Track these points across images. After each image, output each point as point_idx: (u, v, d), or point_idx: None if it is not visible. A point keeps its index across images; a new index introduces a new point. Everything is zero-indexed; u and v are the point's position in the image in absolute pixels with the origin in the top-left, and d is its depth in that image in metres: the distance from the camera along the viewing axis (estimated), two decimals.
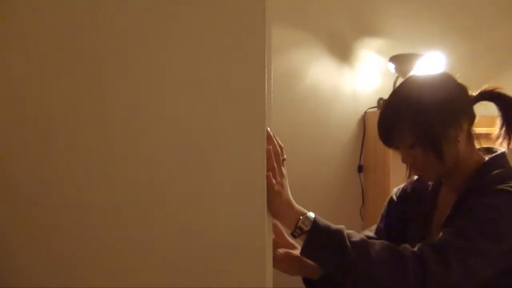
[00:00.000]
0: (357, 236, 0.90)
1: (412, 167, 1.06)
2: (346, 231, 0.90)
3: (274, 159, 0.86)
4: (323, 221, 0.90)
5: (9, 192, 0.73)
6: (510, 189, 0.91)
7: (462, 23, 2.30)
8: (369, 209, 2.19)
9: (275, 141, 0.85)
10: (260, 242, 0.72)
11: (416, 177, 1.17)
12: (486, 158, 1.03)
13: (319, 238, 0.88)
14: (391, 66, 2.06)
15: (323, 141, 2.25)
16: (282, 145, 0.87)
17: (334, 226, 0.90)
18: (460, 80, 1.04)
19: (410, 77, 1.09)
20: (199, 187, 0.71)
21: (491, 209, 0.91)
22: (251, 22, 0.70)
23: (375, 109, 2.21)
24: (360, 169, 2.26)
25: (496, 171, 0.98)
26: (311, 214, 0.90)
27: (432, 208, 1.12)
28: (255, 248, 0.72)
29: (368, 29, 2.28)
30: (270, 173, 0.84)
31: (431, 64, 1.97)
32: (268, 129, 0.79)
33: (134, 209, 0.72)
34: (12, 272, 0.73)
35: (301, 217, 0.88)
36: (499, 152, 1.04)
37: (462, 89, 1.04)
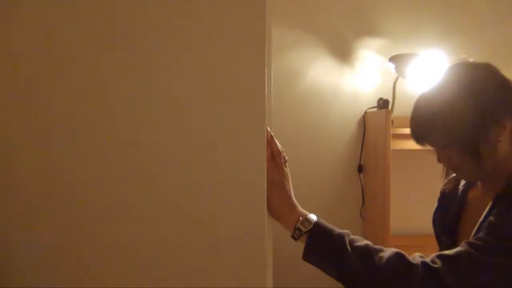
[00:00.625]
0: (362, 241, 0.87)
1: (448, 167, 1.03)
2: (351, 236, 0.87)
3: (275, 159, 0.85)
4: (326, 224, 0.88)
5: (9, 192, 0.73)
6: None
7: (462, 23, 2.30)
8: (369, 209, 2.19)
9: (276, 142, 0.85)
10: (260, 242, 0.72)
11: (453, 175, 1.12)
12: None
13: (319, 240, 0.86)
14: (391, 66, 2.06)
15: (323, 141, 2.25)
16: (281, 148, 0.87)
17: (338, 230, 0.88)
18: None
19: (450, 68, 1.01)
20: (199, 187, 0.71)
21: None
22: (251, 22, 0.70)
23: (375, 109, 2.21)
24: (360, 169, 2.26)
25: None
26: (313, 216, 0.88)
27: (461, 211, 1.07)
28: (255, 248, 0.72)
29: (368, 29, 2.28)
30: (272, 174, 0.84)
31: (431, 64, 1.97)
32: (268, 129, 0.79)
33: (134, 209, 0.72)
34: (12, 272, 0.73)
35: (300, 218, 0.87)
36: None
37: (506, 84, 0.96)
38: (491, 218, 0.89)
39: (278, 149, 0.85)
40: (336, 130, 2.26)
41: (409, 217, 2.23)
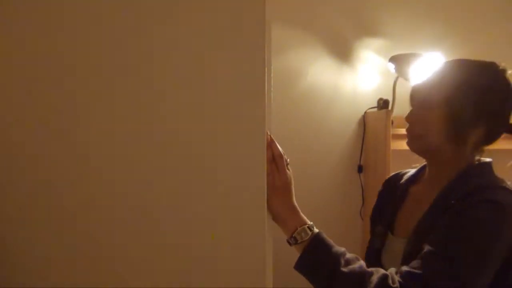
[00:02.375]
0: (356, 263, 0.87)
1: (409, 128, 1.02)
2: (346, 256, 0.87)
3: (277, 162, 0.85)
4: (324, 239, 0.88)
5: (9, 192, 0.73)
6: (494, 199, 0.88)
7: (462, 23, 2.30)
8: (369, 209, 2.18)
9: (276, 144, 0.85)
10: (260, 242, 0.72)
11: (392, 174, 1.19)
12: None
13: (314, 255, 0.86)
14: (391, 66, 2.06)
15: (323, 141, 2.25)
16: (283, 151, 0.87)
17: (335, 248, 0.87)
18: None
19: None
20: (198, 187, 0.71)
21: (474, 224, 0.87)
22: (251, 22, 0.70)
23: (375, 109, 2.21)
24: (360, 169, 2.26)
25: (479, 179, 0.95)
26: (311, 227, 0.88)
27: (401, 202, 1.10)
28: (255, 248, 0.72)
29: (368, 29, 2.28)
30: (273, 177, 0.84)
31: (431, 64, 1.97)
32: (268, 132, 0.79)
33: (134, 209, 0.72)
34: (12, 272, 0.73)
35: (298, 227, 0.87)
36: (487, 160, 1.01)
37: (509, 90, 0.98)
38: (450, 216, 0.90)
39: (279, 152, 0.85)
40: (336, 130, 2.26)
41: None
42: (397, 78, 2.05)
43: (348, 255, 0.88)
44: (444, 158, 1.00)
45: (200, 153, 0.71)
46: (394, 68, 2.04)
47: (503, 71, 0.99)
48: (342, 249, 0.89)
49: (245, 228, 0.71)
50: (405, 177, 1.16)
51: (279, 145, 0.86)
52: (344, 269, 0.84)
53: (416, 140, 1.02)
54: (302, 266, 0.88)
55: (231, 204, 0.71)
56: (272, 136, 0.83)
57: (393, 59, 2.05)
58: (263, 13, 0.70)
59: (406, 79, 2.00)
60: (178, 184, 0.71)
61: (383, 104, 2.14)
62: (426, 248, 0.87)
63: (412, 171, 1.16)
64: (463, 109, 0.95)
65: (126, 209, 0.72)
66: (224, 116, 0.71)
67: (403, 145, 2.14)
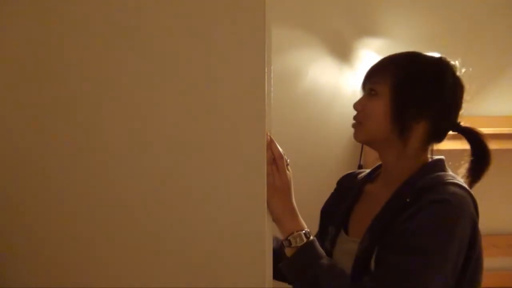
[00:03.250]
0: (343, 275, 0.88)
1: (356, 116, 1.02)
2: (334, 268, 0.88)
3: (277, 163, 0.85)
4: (317, 248, 0.89)
5: (9, 192, 0.73)
6: (445, 198, 0.87)
7: (462, 23, 2.30)
8: None
9: (276, 145, 0.85)
10: (260, 242, 0.72)
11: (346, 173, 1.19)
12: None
13: (301, 260, 0.88)
14: None
15: (323, 141, 2.24)
16: (283, 151, 0.87)
17: (326, 258, 0.89)
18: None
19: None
20: (198, 187, 0.71)
21: (426, 228, 0.85)
22: (251, 22, 0.70)
23: None
24: (360, 169, 2.26)
25: (432, 176, 0.94)
26: (308, 234, 0.89)
27: (355, 201, 1.09)
28: (255, 248, 0.72)
29: (368, 29, 2.28)
30: (273, 177, 0.84)
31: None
32: (268, 133, 0.78)
33: (134, 210, 0.72)
34: (12, 272, 0.73)
35: (295, 232, 0.88)
36: (439, 157, 1.00)
37: (457, 86, 0.99)
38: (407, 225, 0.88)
39: (279, 152, 0.85)
40: (336, 130, 2.26)
41: None
42: None
43: (336, 268, 0.89)
44: (394, 153, 0.99)
45: (200, 153, 0.71)
46: None
47: (452, 67, 0.99)
48: (332, 261, 0.90)
49: (245, 228, 0.71)
50: (360, 176, 1.16)
51: (279, 145, 0.86)
52: (327, 274, 0.86)
53: (359, 128, 1.02)
54: (288, 266, 0.90)
55: (231, 204, 0.71)
56: (272, 136, 0.83)
57: None
58: (263, 13, 0.70)
59: None
60: (178, 184, 0.71)
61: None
62: (383, 254, 0.87)
63: (367, 170, 1.16)
64: (408, 101, 0.95)
65: (126, 209, 0.72)
66: (224, 116, 0.71)
67: None
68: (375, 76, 1.00)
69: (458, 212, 0.86)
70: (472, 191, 0.92)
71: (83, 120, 0.72)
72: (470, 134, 0.98)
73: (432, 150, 1.01)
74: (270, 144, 0.83)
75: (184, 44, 0.71)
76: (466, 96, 1.00)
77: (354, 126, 1.03)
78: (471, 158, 0.98)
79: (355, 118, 1.02)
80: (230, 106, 0.71)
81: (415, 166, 0.98)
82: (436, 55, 1.01)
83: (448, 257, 0.84)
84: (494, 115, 2.22)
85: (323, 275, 0.86)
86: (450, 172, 0.97)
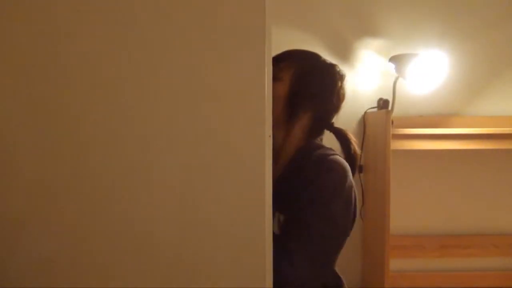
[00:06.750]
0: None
1: None
2: None
3: None
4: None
5: (9, 192, 0.73)
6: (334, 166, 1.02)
7: (462, 23, 2.30)
8: (369, 209, 2.19)
9: None
10: (260, 242, 0.72)
11: None
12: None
13: None
14: (391, 66, 2.06)
15: (323, 141, 2.24)
16: None
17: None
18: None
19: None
20: (198, 187, 0.71)
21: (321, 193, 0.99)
22: (251, 22, 0.70)
23: (375, 109, 2.21)
24: (360, 169, 2.26)
25: (312, 148, 1.09)
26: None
27: None
28: (255, 248, 0.72)
29: (368, 29, 2.28)
30: None
31: (431, 64, 1.97)
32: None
33: (134, 210, 0.72)
34: (12, 272, 0.73)
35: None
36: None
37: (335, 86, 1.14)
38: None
39: None
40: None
41: (409, 217, 2.23)
42: (397, 78, 2.05)
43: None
44: (281, 135, 1.10)
45: (200, 153, 0.71)
46: (394, 68, 2.05)
47: (343, 76, 1.18)
48: None
49: (245, 228, 0.71)
50: None
51: None
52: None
53: None
54: None
55: (231, 204, 0.71)
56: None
57: (393, 59, 2.05)
58: (263, 13, 0.70)
59: (406, 79, 2.00)
60: (177, 184, 0.71)
61: (383, 104, 2.14)
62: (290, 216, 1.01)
63: None
64: (304, 89, 1.09)
65: (126, 209, 0.72)
66: (223, 116, 0.71)
67: (403, 145, 2.14)
68: (282, 64, 1.12)
69: (340, 175, 1.02)
70: None
71: (82, 119, 0.72)
72: (341, 136, 1.16)
73: (319, 139, 1.17)
74: None
75: (184, 44, 0.71)
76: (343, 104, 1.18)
77: None
78: (343, 156, 1.13)
79: None
80: (230, 106, 0.71)
81: (294, 150, 1.12)
82: (333, 62, 1.18)
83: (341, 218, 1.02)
84: (494, 115, 2.23)
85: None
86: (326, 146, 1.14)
